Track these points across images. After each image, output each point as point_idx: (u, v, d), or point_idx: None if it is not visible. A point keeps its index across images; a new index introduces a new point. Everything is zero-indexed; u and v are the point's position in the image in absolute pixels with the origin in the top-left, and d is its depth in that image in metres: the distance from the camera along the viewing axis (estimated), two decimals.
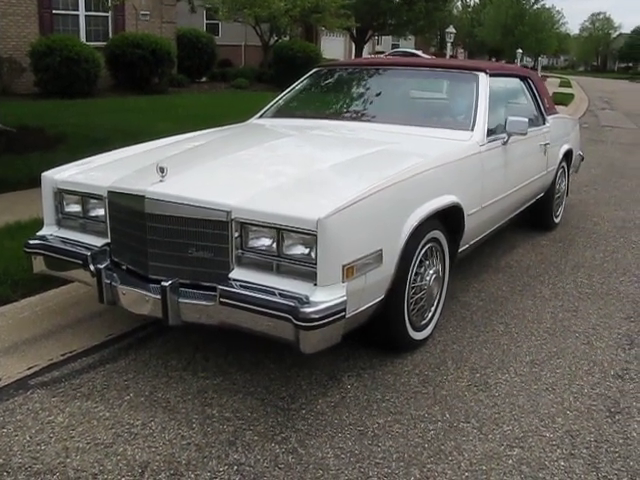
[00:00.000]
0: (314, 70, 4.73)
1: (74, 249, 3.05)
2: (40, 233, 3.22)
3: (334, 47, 31.34)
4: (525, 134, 3.88)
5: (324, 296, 2.41)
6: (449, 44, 25.59)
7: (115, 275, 2.84)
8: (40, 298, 3.52)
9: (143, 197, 2.71)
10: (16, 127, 7.95)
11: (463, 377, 2.95)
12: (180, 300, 2.63)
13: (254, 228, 2.56)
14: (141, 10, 16.30)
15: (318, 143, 3.56)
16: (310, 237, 2.42)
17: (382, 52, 35.62)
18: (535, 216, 5.31)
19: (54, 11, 13.89)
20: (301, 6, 17.54)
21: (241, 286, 2.54)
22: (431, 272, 3.14)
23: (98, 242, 3.04)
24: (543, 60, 51.43)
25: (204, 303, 2.59)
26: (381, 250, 2.65)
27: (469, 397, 2.78)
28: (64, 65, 12.52)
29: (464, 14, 48.34)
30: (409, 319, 3.04)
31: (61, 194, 3.20)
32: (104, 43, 14.87)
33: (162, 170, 2.75)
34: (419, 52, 33.96)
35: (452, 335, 3.40)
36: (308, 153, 3.28)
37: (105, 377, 2.87)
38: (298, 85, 4.63)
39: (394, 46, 39.72)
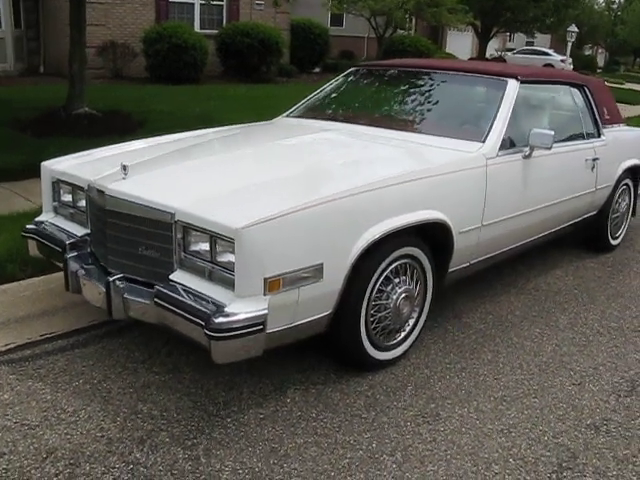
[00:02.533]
0: (350, 70, 4.62)
1: (59, 236, 3.20)
2: (38, 219, 3.42)
3: (460, 43, 30.34)
4: (549, 148, 3.55)
5: (241, 307, 2.36)
6: (569, 43, 23.90)
7: (80, 265, 2.95)
8: (44, 279, 3.74)
9: (104, 193, 2.80)
10: (107, 111, 8.47)
11: (415, 406, 2.79)
12: (125, 296, 2.69)
13: (193, 232, 2.56)
14: (256, 0, 16.73)
15: (302, 149, 3.47)
16: (233, 246, 2.39)
17: (512, 49, 34.08)
18: (586, 236, 4.88)
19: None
20: (416, 0, 17.17)
21: (175, 288, 2.56)
22: (400, 291, 2.98)
23: (81, 232, 3.18)
24: None
25: (143, 301, 2.64)
26: (321, 265, 2.55)
27: (409, 429, 2.62)
28: (172, 51, 13.17)
29: (606, 11, 44.86)
30: (369, 338, 2.91)
31: (58, 183, 3.37)
32: (216, 31, 15.44)
33: (124, 168, 2.82)
34: (550, 51, 32.20)
35: (430, 358, 3.22)
36: (282, 159, 3.20)
37: (68, 361, 3.01)
38: (330, 85, 4.55)
39: (528, 44, 37.82)
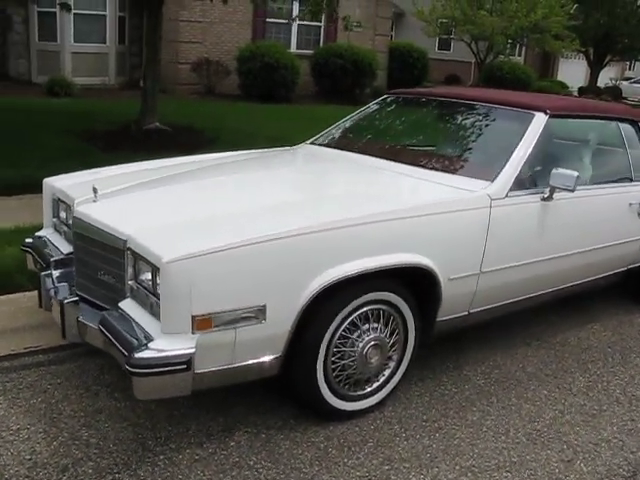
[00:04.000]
0: (383, 97, 4.45)
1: (47, 252, 3.27)
2: (37, 234, 3.51)
3: (572, 71, 28.82)
4: (572, 190, 3.19)
5: (165, 344, 2.27)
6: None
7: (53, 283, 2.98)
8: None
9: (73, 215, 2.82)
10: (180, 127, 8.74)
11: (366, 466, 2.55)
12: (80, 319, 2.68)
13: (141, 261, 2.51)
14: (354, 22, 16.78)
15: (286, 181, 3.32)
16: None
17: (630, 78, 31.95)
18: (637, 288, 4.37)
19: (267, 19, 14.94)
20: (518, 25, 16.51)
21: (118, 316, 2.51)
22: (367, 338, 2.76)
23: (68, 250, 3.22)
24: None
25: (92, 326, 2.61)
26: (264, 306, 2.40)
27: None
28: (264, 70, 13.45)
29: None
30: (329, 386, 2.72)
31: (57, 201, 3.45)
32: (311, 52, 15.64)
33: (95, 191, 2.82)
34: None
35: (408, 413, 2.96)
36: (258, 191, 3.06)
37: (38, 377, 3.04)
38: (361, 111, 4.39)
39: None
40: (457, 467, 2.60)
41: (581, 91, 22.88)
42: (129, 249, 2.53)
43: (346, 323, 2.69)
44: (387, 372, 2.93)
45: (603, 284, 4.12)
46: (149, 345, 2.27)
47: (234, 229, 2.45)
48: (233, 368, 2.45)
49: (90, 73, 13.52)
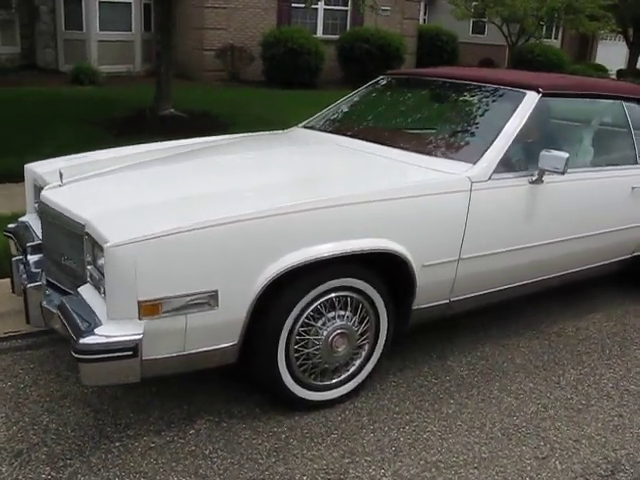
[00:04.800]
0: (378, 78, 4.32)
1: (26, 237, 3.26)
2: (21, 219, 3.51)
3: (611, 53, 27.74)
4: (562, 173, 3.03)
5: (111, 330, 2.22)
6: None
7: (25, 269, 2.97)
8: None
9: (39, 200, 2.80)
10: (196, 113, 8.73)
11: (325, 458, 2.47)
12: (42, 304, 2.66)
13: (96, 246, 2.46)
14: (382, 6, 16.49)
15: (259, 164, 3.22)
16: None
17: None
18: None
19: (293, 4, 14.77)
20: (550, 6, 15.95)
21: (75, 301, 2.47)
22: (333, 327, 2.67)
23: None
24: None
25: (53, 311, 2.59)
26: (216, 292, 2.33)
27: None
28: (287, 56, 13.32)
29: None
30: (292, 375, 2.64)
31: (38, 186, 3.44)
32: (337, 37, 15.44)
33: (61, 176, 2.79)
34: None
35: (380, 404, 2.85)
36: (225, 175, 2.97)
37: (12, 361, 3.04)
38: (354, 93, 4.27)
39: None
40: (422, 462, 2.50)
41: (620, 74, 22.03)
42: (87, 234, 2.48)
43: (309, 310, 2.60)
44: (357, 362, 2.84)
45: (605, 272, 3.93)
46: (95, 331, 2.23)
47: (186, 213, 2.38)
48: (186, 355, 2.39)
49: (116, 61, 13.63)
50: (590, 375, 3.24)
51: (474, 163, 3.02)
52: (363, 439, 2.61)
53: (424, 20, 26.11)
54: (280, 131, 4.11)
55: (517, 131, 3.15)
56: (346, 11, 16.00)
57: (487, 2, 16.67)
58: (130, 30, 13.88)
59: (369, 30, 15.00)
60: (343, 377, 2.81)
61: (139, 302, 2.22)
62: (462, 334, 3.57)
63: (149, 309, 2.24)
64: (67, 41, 13.38)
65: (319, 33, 15.60)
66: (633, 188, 3.64)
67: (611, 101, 3.76)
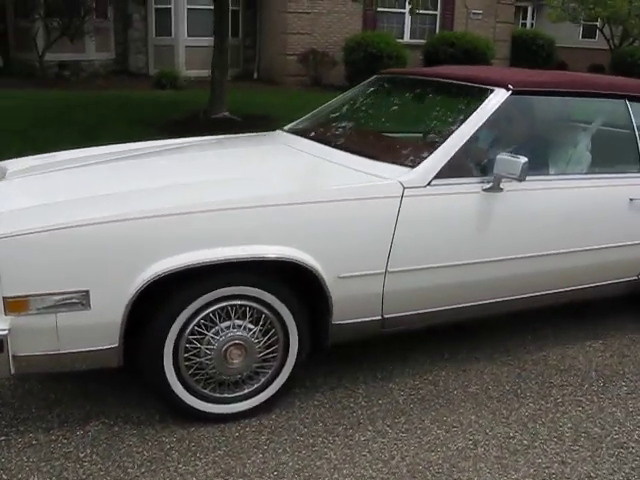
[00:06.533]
0: (371, 78, 4.05)
1: None
2: None
3: None
4: (520, 179, 2.69)
5: None
6: None
7: None
8: None
9: None
10: (254, 116, 8.80)
11: (189, 476, 2.31)
12: None
13: None
14: (473, 9, 15.91)
15: (188, 166, 3.11)
16: None
17: None
18: None
19: (379, 9, 14.56)
20: None
21: None
22: (227, 337, 2.50)
23: None
24: None
25: None
26: (87, 292, 2.26)
27: None
28: (367, 60, 13.16)
29: None
30: (184, 384, 2.51)
31: None
32: (424, 41, 15.06)
33: (3, 173, 2.85)
34: None
35: (290, 424, 2.64)
36: (149, 177, 2.89)
37: None
38: (344, 94, 4.06)
39: None
40: None
41: None
42: None
43: (199, 317, 2.46)
44: (264, 377, 2.65)
45: (604, 294, 3.46)
46: None
47: (61, 214, 2.32)
48: (61, 355, 2.33)
49: (202, 66, 14.05)
50: (550, 412, 2.84)
51: (412, 167, 2.75)
52: (249, 459, 2.43)
53: (531, 24, 24.95)
54: (263, 133, 4.00)
55: (473, 132, 2.84)
56: (435, 15, 15.58)
57: (586, 3, 15.57)
58: None
59: (456, 34, 14.52)
60: (247, 391, 2.64)
61: (4, 298, 2.21)
62: (425, 352, 3.27)
63: (15, 305, 2.22)
64: (157, 47, 14.03)
65: (406, 37, 15.31)
66: (631, 200, 3.17)
67: (610, 100, 3.29)
